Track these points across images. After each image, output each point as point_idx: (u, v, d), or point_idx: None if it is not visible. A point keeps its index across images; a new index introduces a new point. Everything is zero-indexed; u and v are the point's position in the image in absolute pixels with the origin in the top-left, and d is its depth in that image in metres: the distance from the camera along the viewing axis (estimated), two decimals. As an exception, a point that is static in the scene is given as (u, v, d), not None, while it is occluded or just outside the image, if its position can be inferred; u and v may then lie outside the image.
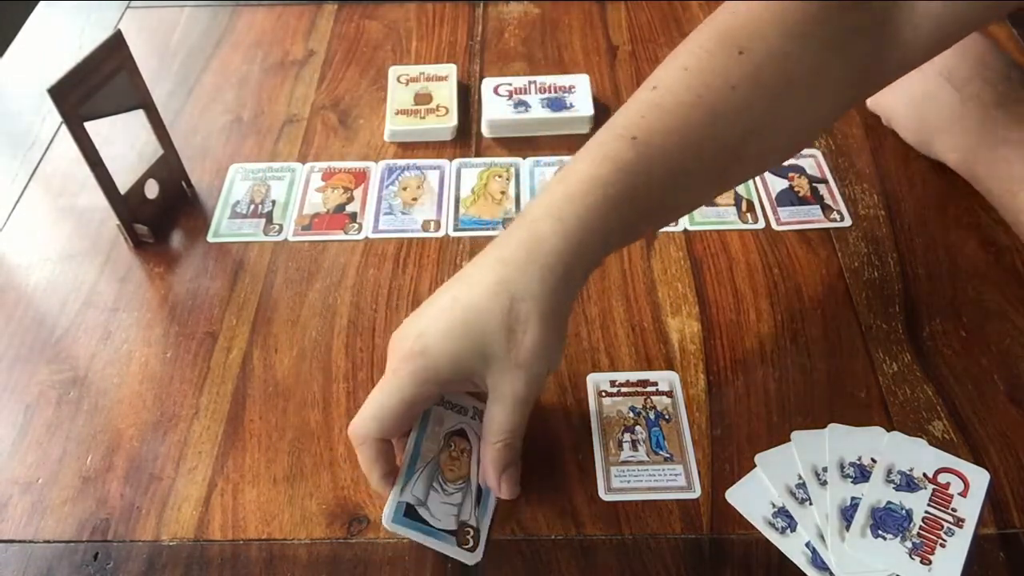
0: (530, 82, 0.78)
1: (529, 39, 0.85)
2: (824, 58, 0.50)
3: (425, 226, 0.67)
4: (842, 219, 0.66)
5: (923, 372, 0.56)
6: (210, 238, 0.67)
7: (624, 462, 0.52)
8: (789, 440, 0.52)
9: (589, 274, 0.48)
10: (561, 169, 0.48)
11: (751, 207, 0.67)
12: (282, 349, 0.59)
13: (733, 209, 0.67)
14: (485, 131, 0.75)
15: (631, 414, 0.54)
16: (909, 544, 0.47)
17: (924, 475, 0.50)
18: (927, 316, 0.59)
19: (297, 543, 0.49)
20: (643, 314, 0.60)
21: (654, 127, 0.47)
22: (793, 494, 0.50)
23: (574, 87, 0.77)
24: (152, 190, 0.67)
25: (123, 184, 0.63)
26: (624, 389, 0.56)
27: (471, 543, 0.48)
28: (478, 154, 0.73)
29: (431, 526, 0.47)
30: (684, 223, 0.66)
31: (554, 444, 0.53)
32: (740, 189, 0.69)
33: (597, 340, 0.59)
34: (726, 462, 0.52)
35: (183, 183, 0.70)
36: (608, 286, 0.62)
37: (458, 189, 0.70)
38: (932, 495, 0.49)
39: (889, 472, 0.50)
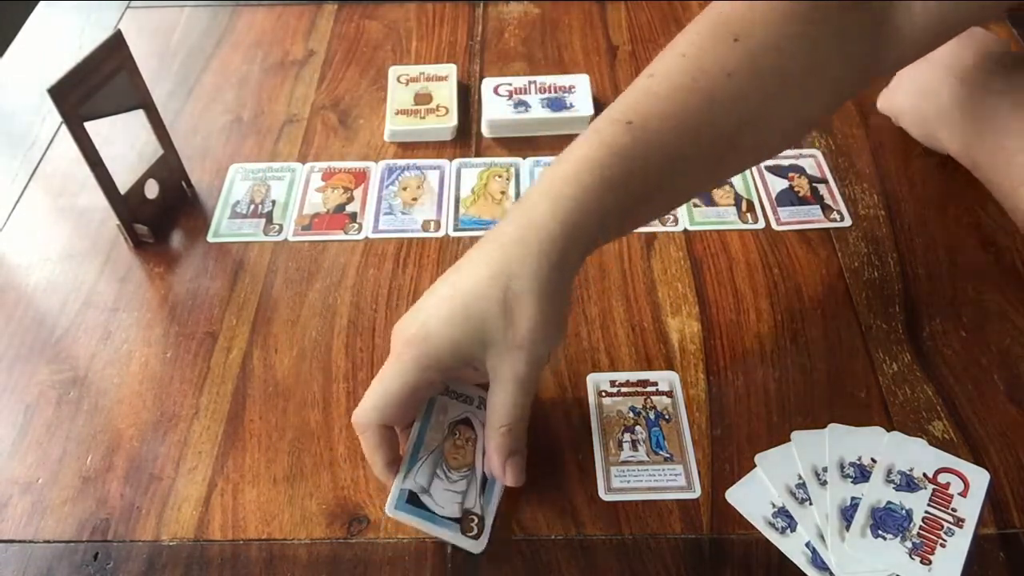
0: (530, 82, 0.78)
1: (529, 39, 0.85)
2: (821, 55, 0.50)
3: (425, 226, 0.67)
4: (842, 219, 0.66)
5: (923, 372, 0.56)
6: (210, 238, 0.67)
7: (624, 462, 0.52)
8: (789, 440, 0.52)
9: (585, 257, 0.48)
10: (559, 155, 0.49)
11: (751, 207, 0.67)
12: (282, 349, 0.59)
13: (733, 209, 0.67)
14: (485, 131, 0.75)
15: (631, 414, 0.54)
16: (909, 544, 0.47)
17: (924, 475, 0.50)
18: (927, 316, 0.59)
19: (297, 543, 0.49)
20: (643, 314, 0.60)
21: (651, 112, 0.48)
22: (793, 494, 0.50)
23: (574, 87, 0.77)
24: (152, 190, 0.67)
25: (123, 184, 0.63)
26: (624, 389, 0.56)
27: (475, 531, 0.47)
28: (478, 154, 0.73)
29: (434, 513, 0.47)
30: (684, 223, 0.66)
31: (554, 444, 0.53)
32: (740, 189, 0.69)
33: (597, 340, 0.59)
34: (726, 462, 0.52)
35: (183, 183, 0.70)
36: (608, 286, 0.62)
37: (458, 189, 0.70)
38: (932, 495, 0.49)
39: (889, 472, 0.50)
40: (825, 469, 0.51)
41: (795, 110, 0.51)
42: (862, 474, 0.50)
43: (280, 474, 0.52)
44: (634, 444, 0.53)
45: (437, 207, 0.68)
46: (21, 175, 0.73)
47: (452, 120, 0.75)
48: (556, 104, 0.76)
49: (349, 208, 0.69)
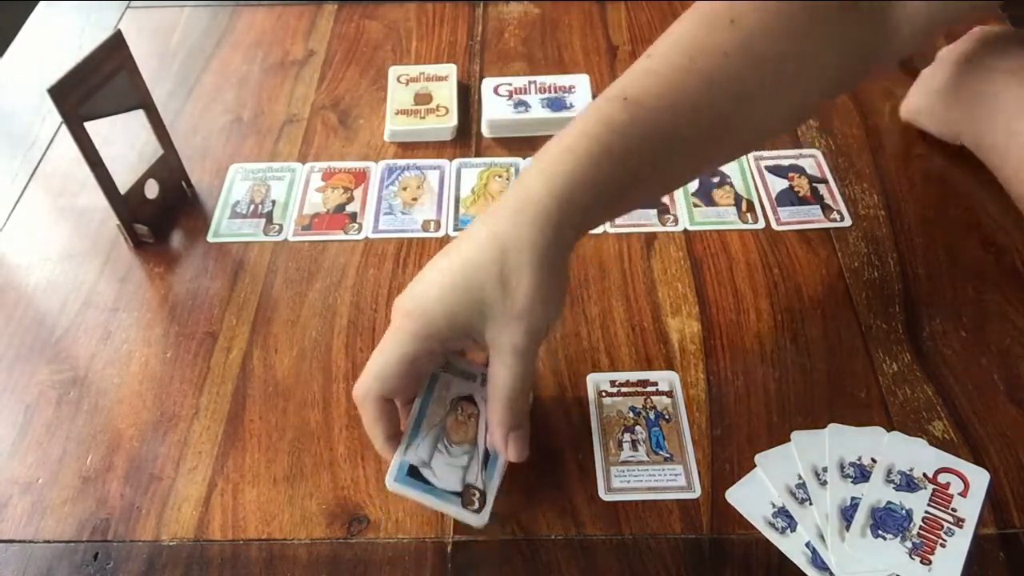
0: (530, 82, 0.78)
1: (529, 39, 0.85)
2: (815, 40, 0.51)
3: (425, 226, 0.67)
4: (842, 219, 0.66)
5: (923, 372, 0.56)
6: (210, 238, 0.67)
7: (624, 462, 0.52)
8: (789, 440, 0.52)
9: (581, 234, 0.48)
10: (558, 132, 0.49)
11: (751, 207, 0.67)
12: (282, 349, 0.59)
13: (733, 209, 0.67)
14: (485, 131, 0.75)
15: (631, 414, 0.54)
16: (909, 544, 0.47)
17: (924, 475, 0.50)
18: (927, 316, 0.59)
19: (297, 543, 0.49)
20: (643, 314, 0.60)
21: (648, 91, 0.48)
22: (793, 494, 0.50)
23: (574, 87, 0.77)
24: (152, 190, 0.67)
25: (123, 184, 0.64)
26: (624, 389, 0.56)
27: (476, 504, 0.47)
28: (478, 154, 0.73)
29: (434, 486, 0.47)
30: (684, 223, 0.66)
31: (554, 444, 0.53)
32: (740, 189, 0.69)
33: (597, 340, 0.59)
34: (726, 462, 0.52)
35: (183, 183, 0.70)
36: (608, 286, 0.62)
37: (458, 189, 0.70)
38: (932, 495, 0.49)
39: (889, 472, 0.50)
40: (825, 469, 0.51)
41: (792, 94, 0.52)
42: (862, 474, 0.50)
43: (280, 474, 0.52)
44: (634, 444, 0.53)
45: (437, 207, 0.68)
46: (21, 175, 0.73)
47: (452, 120, 0.75)
48: (556, 104, 0.76)
49: (349, 208, 0.69)
